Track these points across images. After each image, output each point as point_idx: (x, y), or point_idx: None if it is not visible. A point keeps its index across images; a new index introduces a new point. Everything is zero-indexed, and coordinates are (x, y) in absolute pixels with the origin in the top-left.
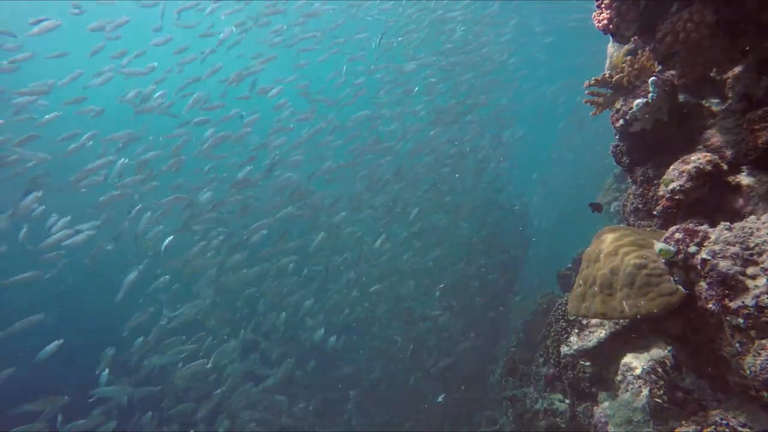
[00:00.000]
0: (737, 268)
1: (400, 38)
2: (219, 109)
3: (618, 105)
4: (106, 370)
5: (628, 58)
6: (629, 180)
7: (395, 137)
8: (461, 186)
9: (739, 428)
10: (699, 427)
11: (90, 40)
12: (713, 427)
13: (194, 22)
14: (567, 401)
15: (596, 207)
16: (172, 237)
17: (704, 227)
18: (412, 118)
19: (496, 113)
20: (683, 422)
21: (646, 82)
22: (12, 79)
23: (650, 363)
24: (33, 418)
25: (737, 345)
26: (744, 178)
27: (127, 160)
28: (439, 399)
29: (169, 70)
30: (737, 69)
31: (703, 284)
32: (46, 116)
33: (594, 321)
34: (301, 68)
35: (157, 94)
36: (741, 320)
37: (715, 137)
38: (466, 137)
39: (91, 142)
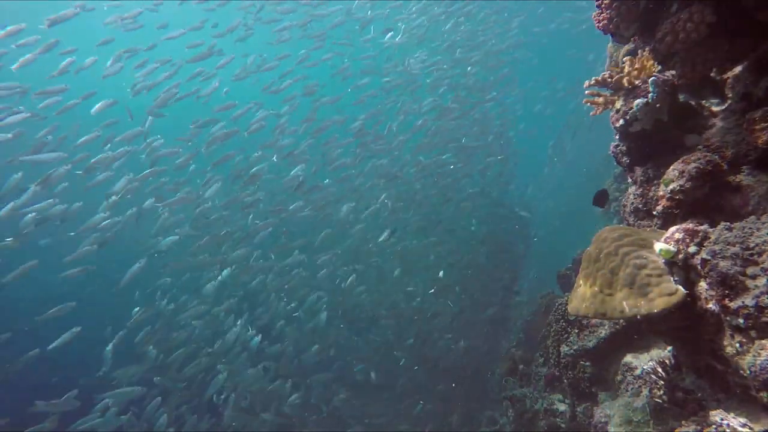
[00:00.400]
0: (737, 268)
1: (404, 29)
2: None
3: (618, 105)
4: (110, 346)
5: (628, 58)
6: (629, 180)
7: (400, 134)
8: (460, 184)
9: (739, 428)
10: (699, 427)
11: (101, 37)
12: (713, 427)
13: (200, 22)
14: (567, 401)
15: (601, 198)
16: (175, 237)
17: (704, 227)
18: (416, 115)
19: (500, 112)
20: (683, 422)
21: (646, 82)
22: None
23: (650, 363)
24: (44, 418)
25: (737, 345)
26: (744, 178)
27: (133, 147)
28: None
29: (176, 63)
30: (737, 69)
31: (703, 284)
32: (66, 104)
33: (594, 321)
34: (308, 68)
35: (166, 88)
36: (741, 320)
37: (715, 137)
38: (472, 129)
39: (99, 132)
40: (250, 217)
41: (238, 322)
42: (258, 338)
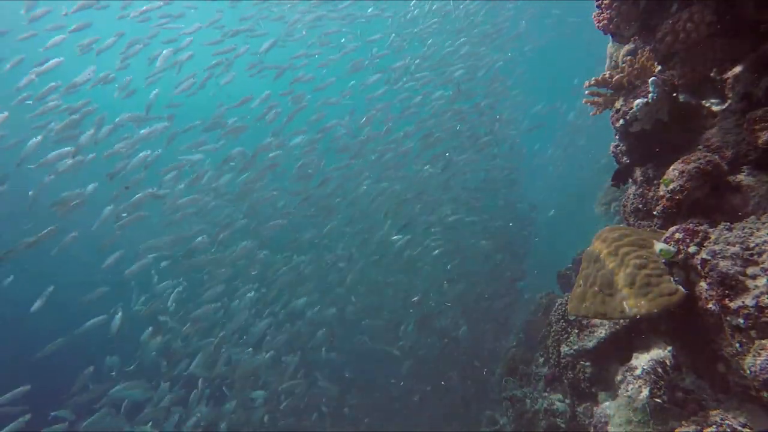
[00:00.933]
0: (737, 268)
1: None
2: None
3: (618, 105)
4: (119, 313)
5: (628, 58)
6: (629, 180)
7: (401, 128)
8: (463, 178)
9: (739, 428)
10: (699, 427)
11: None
12: (713, 427)
13: (217, 13)
14: (567, 401)
15: (623, 174)
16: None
17: (704, 227)
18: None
19: (507, 105)
20: (683, 422)
21: (646, 82)
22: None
23: (650, 363)
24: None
25: (737, 345)
26: (744, 178)
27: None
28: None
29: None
30: (737, 69)
31: (703, 284)
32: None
33: (594, 321)
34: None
35: (184, 78)
36: (741, 320)
37: (715, 137)
38: (480, 119)
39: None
40: (246, 205)
41: (249, 294)
42: (267, 320)
